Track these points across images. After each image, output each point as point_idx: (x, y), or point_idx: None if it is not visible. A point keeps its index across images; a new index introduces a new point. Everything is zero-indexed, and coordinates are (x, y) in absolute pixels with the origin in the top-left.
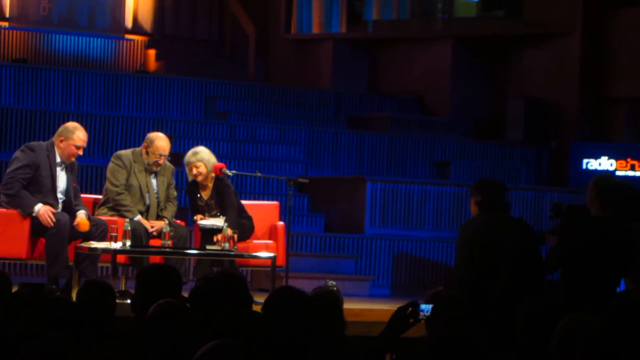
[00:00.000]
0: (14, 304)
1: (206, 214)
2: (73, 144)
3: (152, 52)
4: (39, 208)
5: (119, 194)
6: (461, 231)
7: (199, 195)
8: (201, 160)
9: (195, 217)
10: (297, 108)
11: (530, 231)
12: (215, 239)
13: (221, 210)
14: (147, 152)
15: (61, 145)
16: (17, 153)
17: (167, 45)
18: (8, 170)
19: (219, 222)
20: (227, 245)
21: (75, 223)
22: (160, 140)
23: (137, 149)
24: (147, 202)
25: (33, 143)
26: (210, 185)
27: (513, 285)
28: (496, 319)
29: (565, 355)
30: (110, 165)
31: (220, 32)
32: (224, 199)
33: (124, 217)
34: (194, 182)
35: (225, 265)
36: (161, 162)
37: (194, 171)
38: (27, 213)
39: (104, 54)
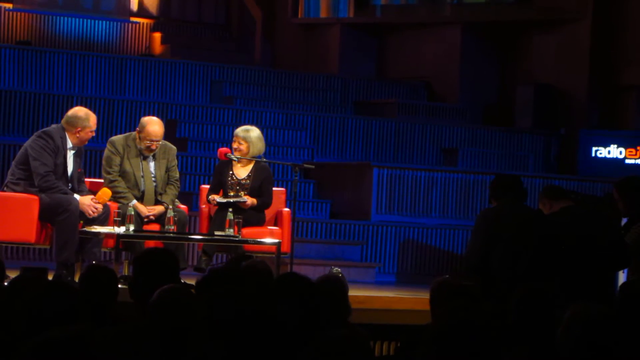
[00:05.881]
0: (16, 288)
1: (230, 192)
2: (90, 130)
3: (157, 36)
4: (79, 198)
5: (112, 180)
6: (479, 219)
7: (231, 172)
8: (246, 140)
9: (211, 197)
10: (303, 93)
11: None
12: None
13: (254, 194)
14: (139, 137)
15: (78, 135)
16: (36, 141)
17: (172, 28)
18: (34, 162)
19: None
20: (231, 231)
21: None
22: (152, 125)
23: (132, 133)
24: (142, 187)
25: (49, 129)
26: (250, 166)
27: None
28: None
29: (572, 343)
30: (105, 151)
31: (226, 16)
32: (262, 186)
33: (119, 203)
34: (226, 161)
35: (237, 252)
36: (153, 147)
37: (235, 145)
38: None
39: (109, 37)
